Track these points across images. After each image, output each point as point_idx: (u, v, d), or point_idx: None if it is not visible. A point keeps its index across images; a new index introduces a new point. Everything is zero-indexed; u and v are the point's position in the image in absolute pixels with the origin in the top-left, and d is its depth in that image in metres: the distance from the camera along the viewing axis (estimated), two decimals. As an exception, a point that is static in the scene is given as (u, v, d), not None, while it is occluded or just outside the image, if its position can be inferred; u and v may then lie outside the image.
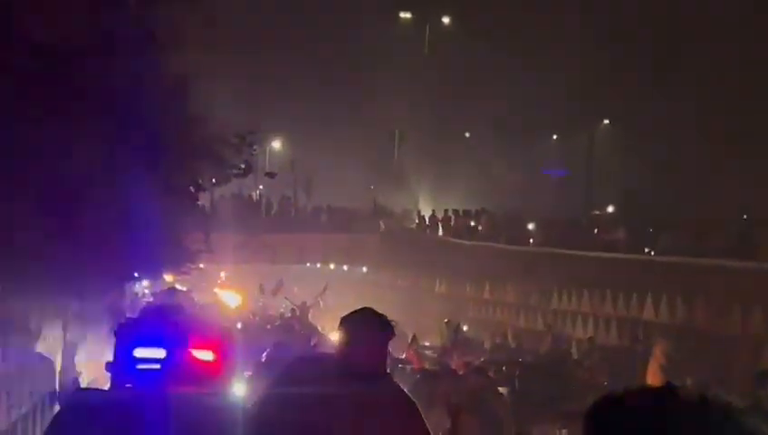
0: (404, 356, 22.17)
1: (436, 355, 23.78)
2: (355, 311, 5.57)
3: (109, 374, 18.63)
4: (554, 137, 56.75)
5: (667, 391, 2.05)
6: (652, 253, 29.49)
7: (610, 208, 46.33)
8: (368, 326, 5.40)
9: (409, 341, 24.11)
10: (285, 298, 35.08)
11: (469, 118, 53.97)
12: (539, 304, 33.42)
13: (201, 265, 28.96)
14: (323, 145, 52.23)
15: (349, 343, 5.32)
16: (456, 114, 54.11)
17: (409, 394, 5.72)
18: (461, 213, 44.40)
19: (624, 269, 29.05)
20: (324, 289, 33.43)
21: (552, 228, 37.21)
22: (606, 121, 54.52)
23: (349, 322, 5.46)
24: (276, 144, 58.08)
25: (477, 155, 52.93)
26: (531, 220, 39.82)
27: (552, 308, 32.47)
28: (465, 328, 29.66)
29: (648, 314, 27.43)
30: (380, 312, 5.52)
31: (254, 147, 16.25)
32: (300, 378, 5.27)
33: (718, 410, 2.01)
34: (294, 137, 56.53)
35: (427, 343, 27.33)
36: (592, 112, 52.11)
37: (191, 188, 16.39)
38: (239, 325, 25.72)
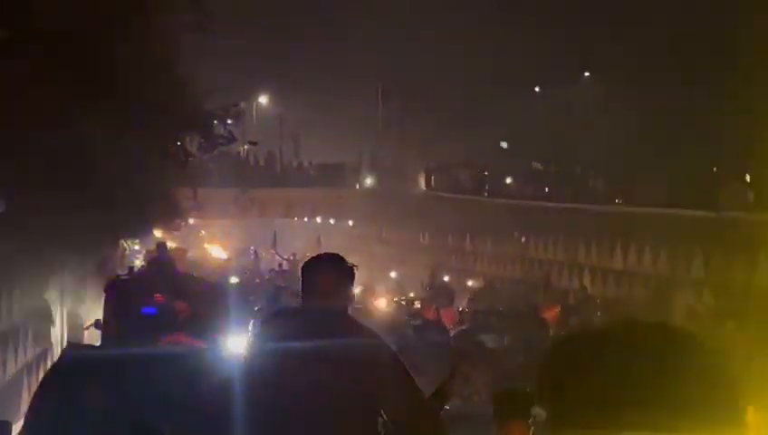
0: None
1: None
2: (313, 257, 5.75)
3: (99, 331, 19.37)
4: (537, 89, 57.20)
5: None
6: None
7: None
8: (325, 269, 5.52)
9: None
10: (275, 253, 35.78)
11: (455, 73, 54.35)
12: (517, 253, 34.40)
13: (191, 221, 29.72)
14: (310, 101, 52.77)
15: (309, 288, 5.44)
16: (442, 70, 54.52)
17: (382, 340, 5.66)
18: (444, 167, 45.28)
19: (599, 219, 30.07)
20: (318, 241, 34.03)
21: (531, 181, 38.20)
22: (587, 74, 54.98)
23: (309, 264, 5.54)
24: (264, 99, 58.66)
25: (462, 109, 53.43)
26: (513, 173, 40.74)
27: (530, 258, 33.49)
28: (446, 278, 30.46)
29: (618, 263, 28.60)
30: (349, 259, 5.55)
31: (239, 116, 17.20)
32: (276, 332, 5.36)
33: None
34: (282, 93, 57.03)
35: (411, 294, 28.09)
36: (574, 65, 52.59)
37: (180, 155, 17.36)
38: (233, 279, 26.46)
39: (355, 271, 5.58)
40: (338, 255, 5.73)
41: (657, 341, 1.78)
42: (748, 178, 28.45)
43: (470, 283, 30.90)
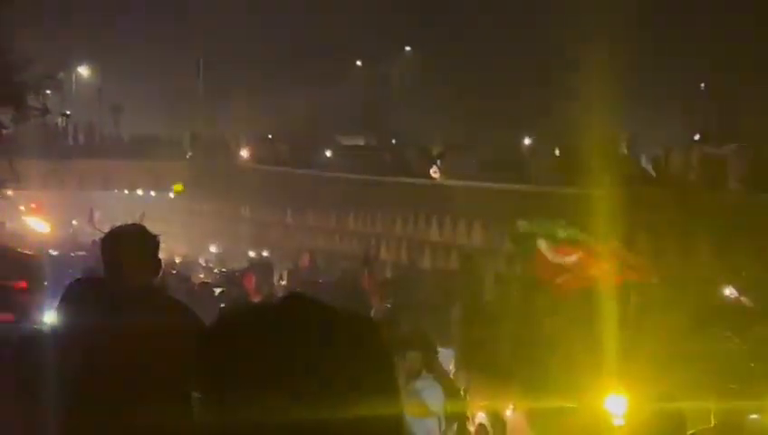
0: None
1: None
2: (116, 227, 5.59)
3: None
4: (359, 63, 57.75)
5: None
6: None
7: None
8: (128, 241, 5.35)
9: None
10: (94, 226, 35.48)
11: (277, 46, 54.54)
12: (336, 226, 34.87)
13: (9, 193, 29.35)
14: (131, 73, 52.40)
15: (112, 259, 5.28)
16: (263, 43, 54.63)
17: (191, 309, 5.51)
18: (264, 139, 45.54)
19: (416, 192, 30.75)
20: (142, 216, 33.83)
21: (349, 154, 38.74)
22: (408, 48, 55.75)
23: (109, 238, 5.36)
24: (84, 71, 57.95)
25: (284, 82, 53.66)
26: (331, 146, 41.20)
27: (350, 230, 33.98)
28: (265, 253, 30.64)
29: (434, 235, 29.38)
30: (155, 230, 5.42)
31: (57, 87, 17.19)
32: (78, 301, 5.24)
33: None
34: (102, 65, 56.46)
35: (227, 268, 28.19)
36: (396, 39, 53.30)
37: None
38: (52, 252, 26.25)
39: (159, 241, 5.44)
40: (140, 225, 5.71)
41: (317, 322, 1.81)
42: (558, 152, 29.44)
43: (265, 253, 31.05)
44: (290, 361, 1.77)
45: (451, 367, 14.30)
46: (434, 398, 10.75)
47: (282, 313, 1.83)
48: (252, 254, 32.02)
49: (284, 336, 1.78)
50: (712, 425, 8.98)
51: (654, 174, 25.11)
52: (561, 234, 14.02)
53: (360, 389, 1.78)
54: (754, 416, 9.63)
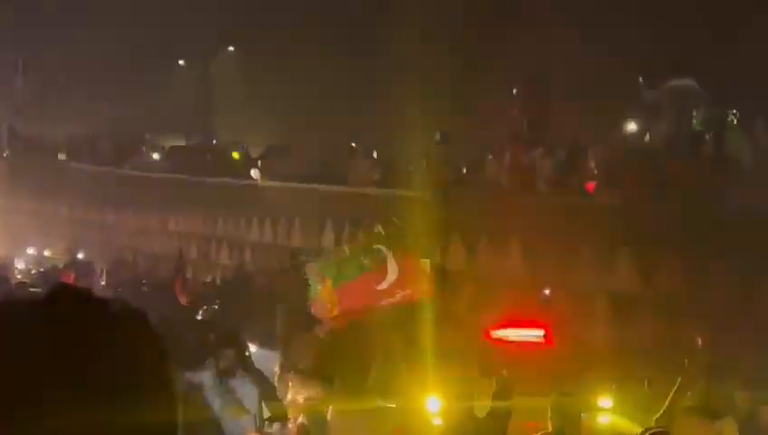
0: None
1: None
2: None
3: None
4: (181, 62, 57.31)
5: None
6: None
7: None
8: None
9: None
10: None
11: (100, 45, 53.69)
12: (159, 227, 34.79)
13: None
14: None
15: None
16: (83, 41, 53.76)
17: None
18: (84, 138, 45.07)
19: (234, 193, 30.98)
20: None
21: (171, 154, 38.70)
22: (231, 48, 55.56)
23: None
24: None
25: (105, 80, 52.95)
26: (153, 146, 41.02)
27: (171, 230, 33.95)
28: (80, 256, 30.37)
29: (254, 235, 29.71)
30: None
31: None
32: None
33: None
34: None
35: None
36: (219, 39, 53.06)
37: None
38: None
39: None
40: None
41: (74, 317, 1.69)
42: (375, 154, 29.97)
43: (80, 255, 30.78)
44: (55, 359, 1.63)
45: (276, 369, 14.60)
46: (249, 397, 11.01)
47: (46, 307, 1.71)
48: (47, 253, 31.85)
49: (48, 332, 1.65)
50: (550, 430, 9.49)
51: (468, 177, 25.81)
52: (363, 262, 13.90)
53: (127, 389, 1.67)
54: (583, 414, 10.22)
